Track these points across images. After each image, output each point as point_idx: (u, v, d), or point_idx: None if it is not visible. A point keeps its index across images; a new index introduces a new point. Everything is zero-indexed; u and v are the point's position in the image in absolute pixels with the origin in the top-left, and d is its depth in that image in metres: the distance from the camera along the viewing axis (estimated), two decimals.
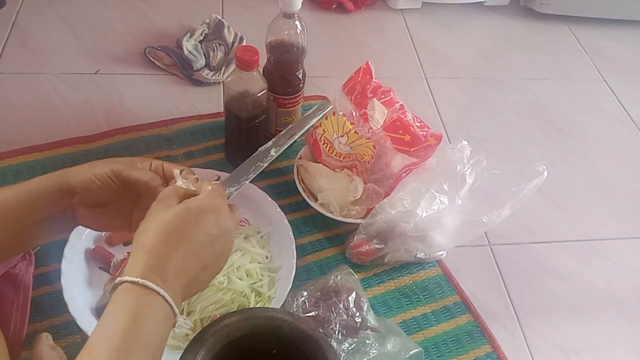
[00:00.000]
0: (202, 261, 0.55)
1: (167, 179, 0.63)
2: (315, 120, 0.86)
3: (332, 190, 0.92)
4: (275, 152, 0.75)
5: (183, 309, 0.78)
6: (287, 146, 0.78)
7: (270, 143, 0.76)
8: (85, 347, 0.47)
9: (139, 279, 0.49)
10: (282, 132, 0.81)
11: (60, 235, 0.73)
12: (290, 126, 0.82)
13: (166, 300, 0.50)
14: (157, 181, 0.62)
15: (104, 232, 0.86)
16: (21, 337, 0.73)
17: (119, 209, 0.64)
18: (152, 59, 1.18)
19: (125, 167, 0.61)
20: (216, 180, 0.91)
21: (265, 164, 0.73)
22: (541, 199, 1.06)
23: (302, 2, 0.87)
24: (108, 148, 1.00)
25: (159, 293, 0.49)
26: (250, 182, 0.70)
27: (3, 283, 0.75)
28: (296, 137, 0.81)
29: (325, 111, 0.88)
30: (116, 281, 0.51)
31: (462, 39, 1.42)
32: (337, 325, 0.76)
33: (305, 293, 0.80)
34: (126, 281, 0.50)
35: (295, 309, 0.78)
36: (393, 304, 0.87)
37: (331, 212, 0.92)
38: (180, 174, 0.62)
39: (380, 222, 0.87)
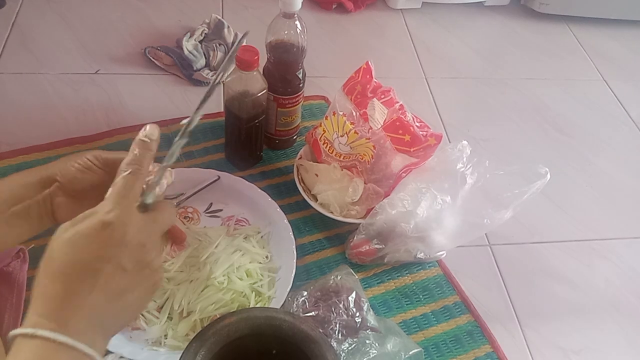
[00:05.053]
0: (115, 291, 0.46)
1: None
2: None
3: (332, 190, 0.92)
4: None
5: (183, 310, 0.78)
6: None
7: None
8: None
9: (30, 330, 0.42)
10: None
11: (39, 231, 0.65)
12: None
13: (72, 347, 0.42)
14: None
15: None
16: None
17: (96, 199, 0.60)
18: (152, 59, 1.18)
19: (105, 152, 0.61)
20: (216, 179, 0.92)
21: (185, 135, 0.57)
22: (541, 199, 1.06)
23: (302, 2, 0.87)
24: (108, 148, 1.00)
25: (57, 340, 0.42)
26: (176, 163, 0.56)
27: None
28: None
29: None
30: (9, 336, 0.43)
31: (462, 39, 1.42)
32: (337, 325, 0.76)
33: (305, 293, 0.80)
34: (18, 335, 0.43)
35: (295, 309, 0.78)
36: (393, 304, 0.87)
37: (331, 212, 0.92)
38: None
39: (380, 222, 0.87)
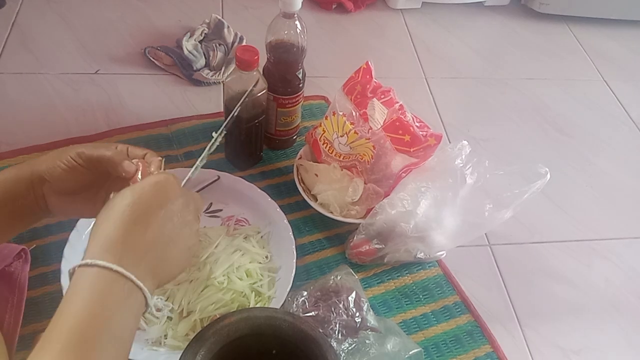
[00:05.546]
0: (163, 237, 0.52)
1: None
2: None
3: (332, 190, 0.92)
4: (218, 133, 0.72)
5: (183, 309, 0.78)
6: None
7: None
8: (41, 340, 0.44)
9: (89, 260, 0.47)
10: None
11: (36, 223, 0.69)
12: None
13: (126, 277, 0.47)
14: (120, 156, 0.62)
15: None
16: (14, 336, 0.71)
17: (90, 195, 0.64)
18: (152, 59, 1.18)
19: (89, 148, 0.62)
20: (216, 179, 0.92)
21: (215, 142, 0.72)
22: (541, 198, 1.06)
23: (302, 2, 0.87)
24: None
25: (113, 270, 0.47)
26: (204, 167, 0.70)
27: None
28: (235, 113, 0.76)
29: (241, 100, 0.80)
30: (70, 270, 0.48)
31: (462, 39, 1.42)
32: (337, 325, 0.76)
33: (305, 293, 0.80)
34: (79, 266, 0.48)
35: (295, 309, 0.78)
36: (393, 304, 0.87)
37: (331, 212, 0.92)
38: (144, 157, 0.63)
39: (380, 222, 0.87)
